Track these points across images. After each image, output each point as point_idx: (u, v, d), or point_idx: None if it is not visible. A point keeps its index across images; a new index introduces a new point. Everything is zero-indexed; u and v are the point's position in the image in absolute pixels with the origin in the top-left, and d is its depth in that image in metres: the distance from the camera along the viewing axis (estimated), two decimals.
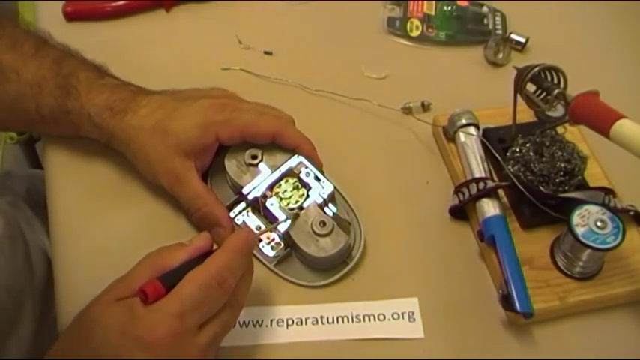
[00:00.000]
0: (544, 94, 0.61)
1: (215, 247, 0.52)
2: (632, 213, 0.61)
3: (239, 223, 0.61)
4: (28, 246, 0.68)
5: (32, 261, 0.68)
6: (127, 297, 0.47)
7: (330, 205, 0.60)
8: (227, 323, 0.51)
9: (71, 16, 0.78)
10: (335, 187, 0.61)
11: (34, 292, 0.67)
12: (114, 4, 0.78)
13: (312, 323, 0.57)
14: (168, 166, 0.59)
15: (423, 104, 0.71)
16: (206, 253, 0.50)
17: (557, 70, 0.60)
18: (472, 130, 0.66)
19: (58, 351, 0.49)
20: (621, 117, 0.52)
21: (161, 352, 0.45)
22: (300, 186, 0.61)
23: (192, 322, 0.47)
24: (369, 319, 0.57)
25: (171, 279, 0.48)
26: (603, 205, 0.57)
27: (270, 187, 0.60)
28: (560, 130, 0.62)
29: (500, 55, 0.76)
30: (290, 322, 0.57)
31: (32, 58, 0.62)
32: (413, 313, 0.57)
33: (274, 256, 0.60)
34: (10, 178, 0.85)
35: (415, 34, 0.79)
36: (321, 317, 0.57)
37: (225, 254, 0.50)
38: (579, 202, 0.57)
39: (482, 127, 0.66)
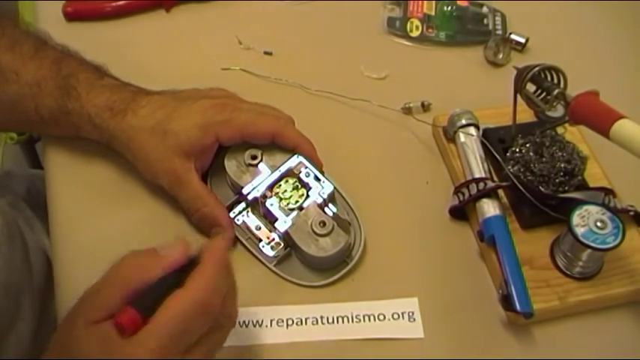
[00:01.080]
0: (544, 94, 0.61)
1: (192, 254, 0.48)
2: (632, 213, 0.61)
3: (239, 223, 0.61)
4: (27, 246, 0.68)
5: (31, 261, 0.68)
6: (101, 320, 0.44)
7: (330, 205, 0.60)
8: (217, 342, 0.49)
9: (71, 16, 0.78)
10: (335, 187, 0.61)
11: (33, 291, 0.67)
12: (114, 4, 0.78)
13: (312, 323, 0.57)
14: (168, 166, 0.59)
15: (423, 104, 0.71)
16: (183, 267, 0.47)
17: (557, 70, 0.60)
18: (472, 130, 0.66)
19: None
20: (621, 117, 0.52)
21: None
22: (299, 186, 0.61)
23: (175, 352, 0.45)
24: (369, 319, 0.57)
25: (147, 304, 0.44)
26: (603, 205, 0.57)
27: (270, 187, 0.60)
28: (560, 130, 0.62)
29: (500, 55, 0.76)
30: (290, 322, 0.57)
31: (31, 59, 0.62)
32: (413, 313, 0.57)
33: (274, 256, 0.60)
34: (9, 178, 0.85)
35: (415, 34, 0.79)
36: (321, 317, 0.57)
37: (205, 273, 0.46)
38: (579, 202, 0.57)
39: (482, 127, 0.66)
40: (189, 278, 0.46)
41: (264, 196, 0.60)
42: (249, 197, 0.60)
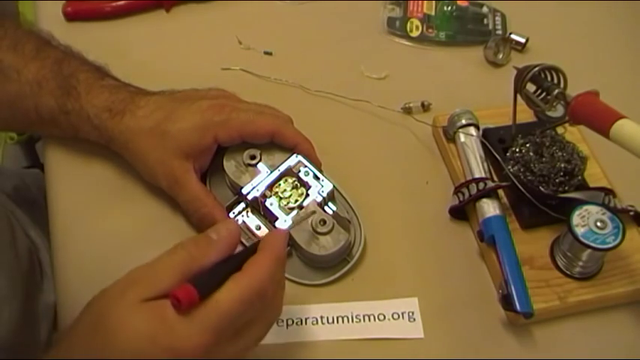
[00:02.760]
0: (544, 94, 0.61)
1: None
2: (632, 213, 0.61)
3: (239, 223, 0.61)
4: (13, 228, 0.68)
5: (17, 244, 0.67)
6: (154, 298, 0.43)
7: (330, 203, 0.60)
8: (261, 333, 0.48)
9: (71, 16, 0.78)
10: (334, 186, 0.61)
11: (18, 273, 0.66)
12: (114, 4, 0.78)
13: (312, 323, 0.57)
14: (167, 167, 0.59)
15: (422, 104, 0.71)
16: (239, 254, 0.47)
17: (557, 70, 0.60)
18: (472, 130, 0.66)
19: (69, 347, 0.45)
20: (621, 117, 0.52)
21: None
22: (299, 185, 0.61)
23: (226, 337, 0.44)
24: (369, 319, 0.57)
25: (206, 285, 0.43)
26: (603, 205, 0.57)
27: (270, 187, 0.60)
28: (560, 130, 0.62)
29: (500, 55, 0.76)
30: (290, 322, 0.57)
31: (33, 59, 0.62)
32: (413, 313, 0.57)
33: None
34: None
35: (415, 34, 0.79)
36: (321, 317, 0.57)
37: (268, 263, 0.46)
38: (579, 202, 0.56)
39: (482, 127, 0.66)
40: (248, 264, 0.46)
41: (264, 196, 0.60)
42: (249, 197, 0.60)
